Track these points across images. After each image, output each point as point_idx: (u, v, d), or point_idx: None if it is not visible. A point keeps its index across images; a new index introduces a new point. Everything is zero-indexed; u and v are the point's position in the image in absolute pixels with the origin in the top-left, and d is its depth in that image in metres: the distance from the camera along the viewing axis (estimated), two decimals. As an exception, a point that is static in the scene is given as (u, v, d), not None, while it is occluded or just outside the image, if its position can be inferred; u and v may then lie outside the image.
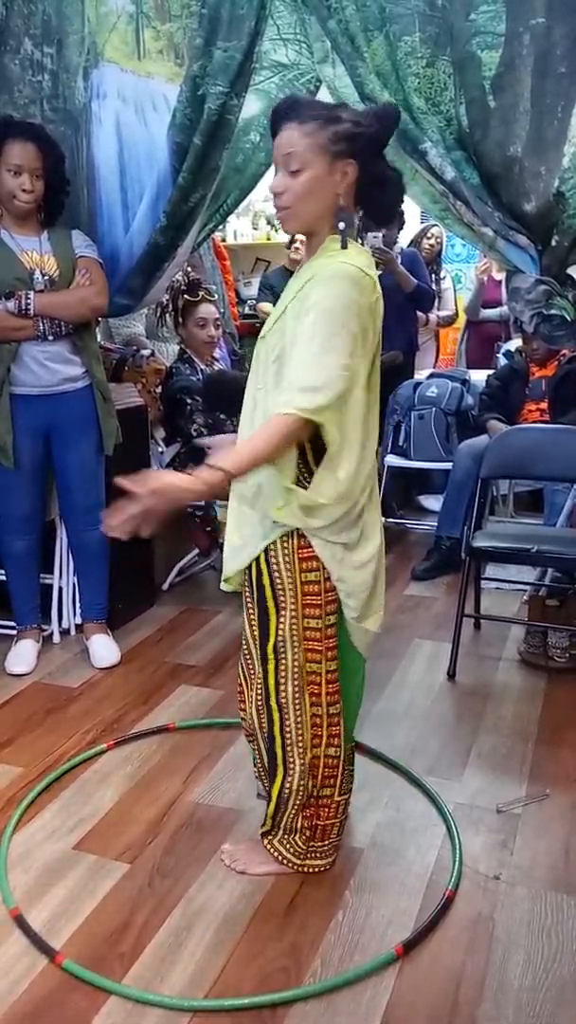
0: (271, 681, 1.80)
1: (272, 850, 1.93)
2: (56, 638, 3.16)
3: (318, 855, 1.93)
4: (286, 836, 1.92)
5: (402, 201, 1.80)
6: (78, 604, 3.16)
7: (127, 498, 1.56)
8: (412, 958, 1.70)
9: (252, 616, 1.83)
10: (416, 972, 1.66)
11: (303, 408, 1.57)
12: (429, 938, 1.75)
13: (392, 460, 4.24)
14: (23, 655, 2.96)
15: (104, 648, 3.01)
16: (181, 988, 1.63)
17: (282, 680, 1.80)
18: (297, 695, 1.80)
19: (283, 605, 1.76)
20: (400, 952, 1.70)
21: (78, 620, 3.17)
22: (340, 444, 1.66)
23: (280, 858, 1.92)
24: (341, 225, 1.67)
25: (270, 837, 1.93)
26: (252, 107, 2.99)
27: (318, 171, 1.65)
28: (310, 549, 1.73)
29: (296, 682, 1.79)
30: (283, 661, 1.78)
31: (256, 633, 1.82)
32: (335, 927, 1.78)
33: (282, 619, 1.77)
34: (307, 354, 1.60)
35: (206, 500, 1.59)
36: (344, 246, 1.67)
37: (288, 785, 1.85)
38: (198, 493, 1.59)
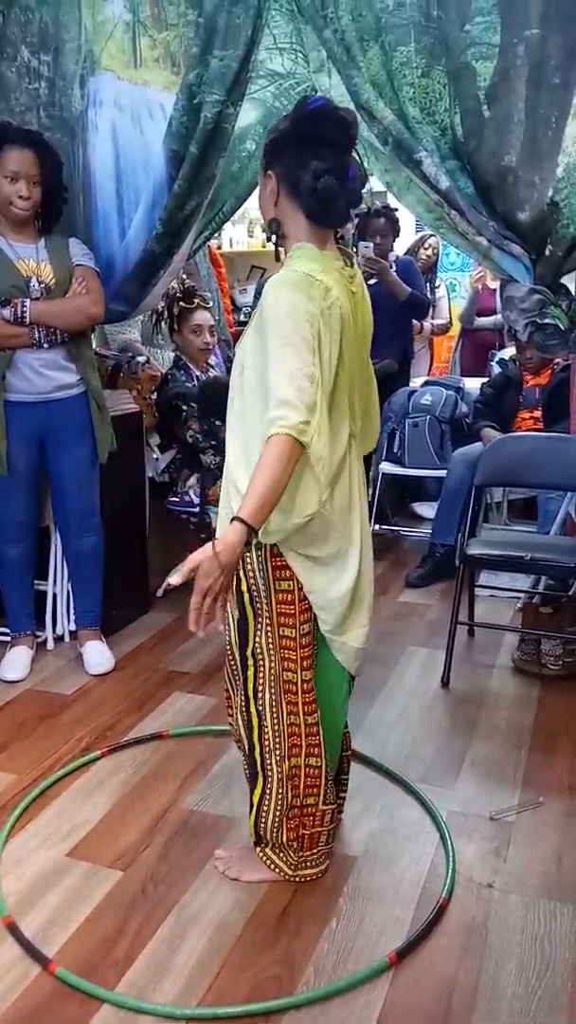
0: (250, 687, 1.81)
1: (265, 859, 1.93)
2: (50, 644, 3.16)
3: (309, 864, 1.93)
4: (277, 848, 1.91)
5: (325, 207, 1.65)
6: (72, 610, 3.15)
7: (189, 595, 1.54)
8: (405, 966, 1.70)
9: (233, 620, 1.84)
10: (409, 980, 1.66)
11: (286, 427, 1.52)
12: (422, 946, 1.74)
13: (386, 467, 4.25)
14: (16, 662, 2.96)
15: (98, 655, 3.01)
16: (174, 996, 1.62)
17: (260, 687, 1.80)
18: (274, 703, 1.80)
19: (259, 612, 1.77)
20: (393, 960, 1.69)
21: (72, 626, 3.17)
22: (316, 453, 1.62)
23: (273, 867, 1.92)
24: (273, 238, 1.72)
25: (262, 846, 1.93)
26: (248, 116, 3.00)
27: (260, 186, 1.74)
28: (282, 558, 1.73)
29: (273, 690, 1.80)
30: (261, 668, 1.79)
31: (236, 638, 1.83)
32: (328, 935, 1.78)
33: (259, 626, 1.78)
34: (272, 372, 1.58)
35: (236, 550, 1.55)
36: (276, 258, 1.71)
37: (268, 792, 1.85)
38: (232, 553, 1.52)
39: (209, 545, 1.53)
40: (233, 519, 1.54)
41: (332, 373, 1.66)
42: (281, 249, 1.74)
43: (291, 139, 1.65)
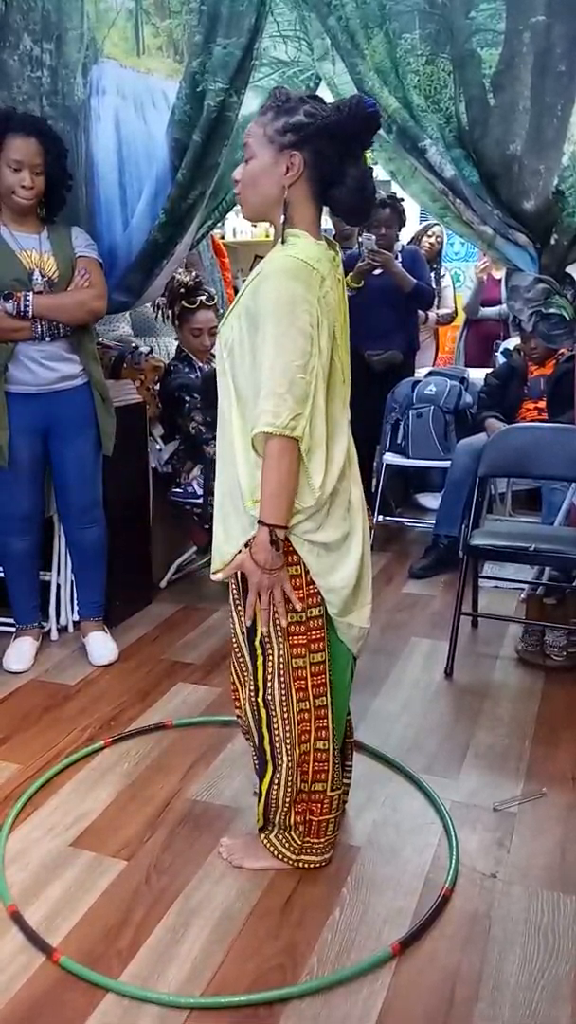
0: (260, 676, 1.81)
1: (268, 845, 1.93)
2: (54, 635, 3.16)
3: (313, 851, 1.93)
4: (281, 832, 1.92)
5: (366, 203, 1.72)
6: (76, 601, 3.15)
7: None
8: (408, 956, 1.70)
9: (240, 611, 1.84)
10: (412, 970, 1.67)
11: (275, 425, 1.60)
12: (426, 936, 1.75)
13: (390, 458, 4.24)
14: (21, 652, 2.96)
15: (102, 646, 3.01)
16: (178, 985, 1.63)
17: (269, 676, 1.80)
18: (284, 691, 1.80)
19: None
20: (397, 950, 1.70)
21: (76, 617, 3.17)
22: (310, 448, 1.67)
23: (276, 853, 1.93)
24: (281, 218, 1.67)
25: (266, 832, 1.94)
26: (251, 104, 2.98)
27: (263, 161, 1.67)
28: (288, 544, 1.73)
29: (283, 678, 1.80)
30: (270, 656, 1.79)
31: (244, 627, 1.83)
32: (332, 925, 1.78)
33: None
34: (265, 361, 1.62)
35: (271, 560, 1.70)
36: (283, 240, 1.67)
37: (277, 781, 1.86)
38: (264, 550, 1.68)
39: (246, 547, 1.70)
40: (258, 522, 1.68)
41: (327, 360, 1.68)
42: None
43: (335, 131, 1.62)
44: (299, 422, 1.62)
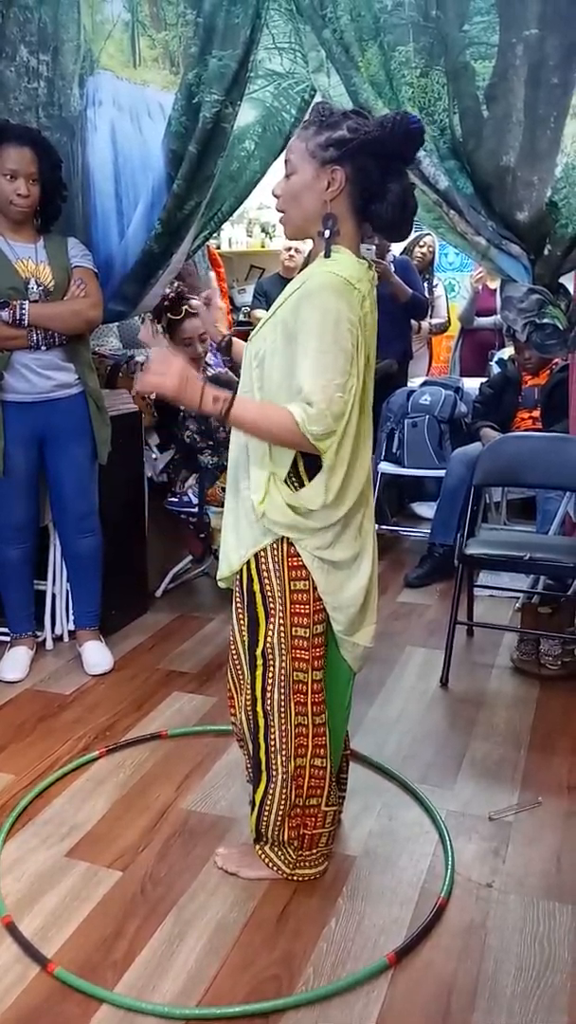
0: (258, 687, 1.81)
1: (264, 857, 1.93)
2: (49, 644, 3.16)
3: (307, 864, 1.93)
4: (276, 847, 1.92)
5: (407, 220, 1.71)
6: (71, 611, 3.15)
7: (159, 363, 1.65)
8: (404, 966, 1.70)
9: (241, 620, 1.84)
10: (408, 980, 1.66)
11: (310, 432, 1.59)
12: (421, 946, 1.74)
13: (385, 467, 4.25)
14: (16, 662, 2.95)
15: (97, 655, 3.01)
16: (173, 996, 1.62)
17: (269, 686, 1.80)
18: (283, 703, 1.80)
19: (272, 612, 1.76)
20: (392, 960, 1.69)
21: (71, 626, 3.17)
22: (334, 465, 1.67)
23: (271, 864, 1.92)
24: (326, 233, 1.66)
25: (261, 843, 1.93)
26: (247, 115, 3.00)
27: (305, 176, 1.66)
28: (299, 558, 1.73)
29: (283, 690, 1.79)
30: (271, 667, 1.79)
31: (245, 637, 1.83)
32: (327, 935, 1.78)
33: (271, 626, 1.77)
34: (307, 373, 1.60)
35: (197, 411, 1.68)
36: (327, 255, 1.65)
37: (271, 792, 1.85)
38: (192, 402, 1.63)
39: (195, 374, 1.65)
40: (221, 400, 1.63)
41: (362, 378, 1.68)
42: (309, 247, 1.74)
43: (378, 148, 1.61)
44: (330, 438, 1.62)
